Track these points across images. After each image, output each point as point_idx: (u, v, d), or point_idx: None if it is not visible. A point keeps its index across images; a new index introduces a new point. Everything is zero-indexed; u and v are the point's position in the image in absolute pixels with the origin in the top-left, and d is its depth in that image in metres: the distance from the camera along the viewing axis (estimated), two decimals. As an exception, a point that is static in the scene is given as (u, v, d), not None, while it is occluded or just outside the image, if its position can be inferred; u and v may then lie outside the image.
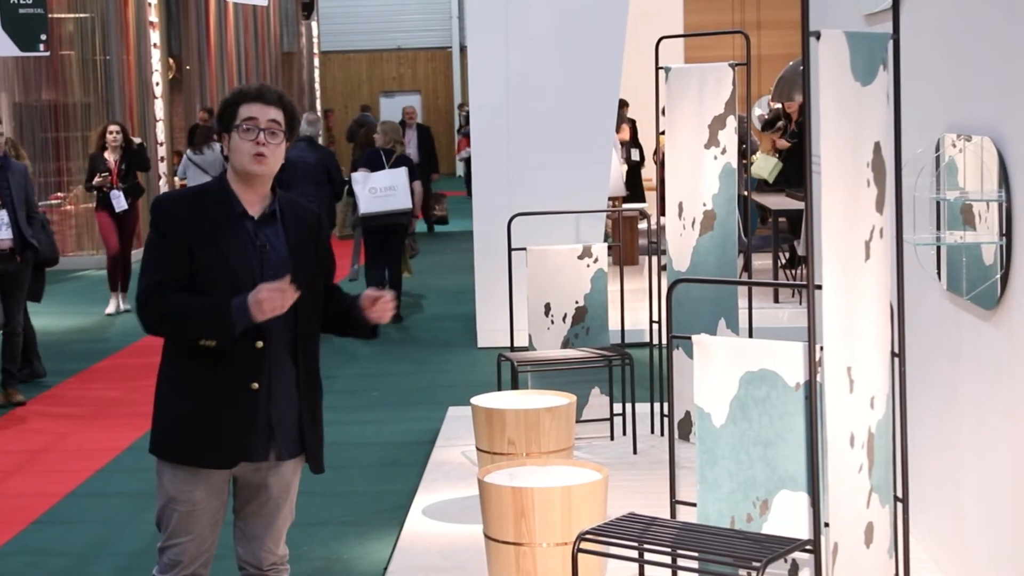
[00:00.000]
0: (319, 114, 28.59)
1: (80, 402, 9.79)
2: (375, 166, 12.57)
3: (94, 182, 13.42)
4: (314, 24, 32.28)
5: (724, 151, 7.40)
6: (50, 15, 17.74)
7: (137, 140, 14.82)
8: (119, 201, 13.51)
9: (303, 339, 4.26)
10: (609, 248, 8.25)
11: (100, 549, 6.68)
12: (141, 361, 7.73)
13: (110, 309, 13.81)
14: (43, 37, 15.04)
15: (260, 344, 4.16)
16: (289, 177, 12.31)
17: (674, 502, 4.81)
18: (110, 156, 13.52)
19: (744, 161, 9.30)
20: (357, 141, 16.39)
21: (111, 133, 13.56)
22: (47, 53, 15.61)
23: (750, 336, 7.31)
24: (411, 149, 17.38)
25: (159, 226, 4.22)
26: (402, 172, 12.45)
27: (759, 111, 16.95)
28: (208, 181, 4.36)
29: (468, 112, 14.22)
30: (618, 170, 14.57)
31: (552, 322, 8.02)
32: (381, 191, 12.35)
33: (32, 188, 9.88)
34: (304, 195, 12.24)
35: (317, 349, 4.38)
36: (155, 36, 19.31)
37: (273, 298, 4.04)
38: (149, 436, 4.35)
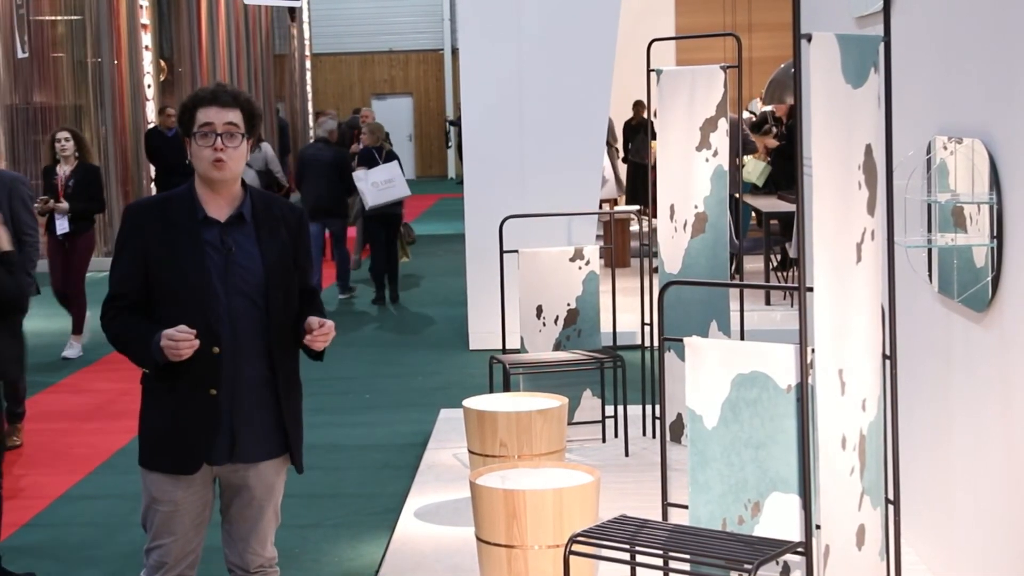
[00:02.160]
0: (312, 115, 28.62)
1: (69, 405, 9.77)
2: (370, 163, 13.90)
3: (35, 207, 9.93)
4: (305, 26, 32.26)
5: (716, 153, 7.41)
6: (41, 17, 17.77)
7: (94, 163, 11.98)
8: (61, 222, 10.94)
9: (278, 340, 4.24)
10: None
11: (90, 552, 6.67)
12: (129, 364, 7.74)
13: (67, 353, 11.45)
14: (23, 38, 15.06)
15: (216, 349, 4.16)
16: (304, 174, 13.90)
17: (666, 504, 4.82)
18: (60, 169, 11.04)
19: (738, 161, 9.29)
20: (348, 143, 16.66)
21: (59, 141, 11.02)
22: (26, 55, 15.60)
23: (742, 338, 7.32)
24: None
25: (122, 235, 4.28)
26: (395, 165, 13.84)
27: (745, 114, 17.00)
28: (179, 187, 4.34)
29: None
30: (610, 173, 14.60)
31: (544, 324, 8.02)
32: (382, 184, 13.64)
33: (22, 203, 7.92)
34: (318, 190, 13.75)
35: (296, 350, 4.35)
36: (147, 38, 19.30)
37: (168, 347, 4.06)
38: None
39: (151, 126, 18.71)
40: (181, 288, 4.13)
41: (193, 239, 4.18)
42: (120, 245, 4.27)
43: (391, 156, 14.08)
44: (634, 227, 15.76)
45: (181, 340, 4.04)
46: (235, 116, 4.19)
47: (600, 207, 12.67)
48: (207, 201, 4.23)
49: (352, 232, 16.05)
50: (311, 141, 14.35)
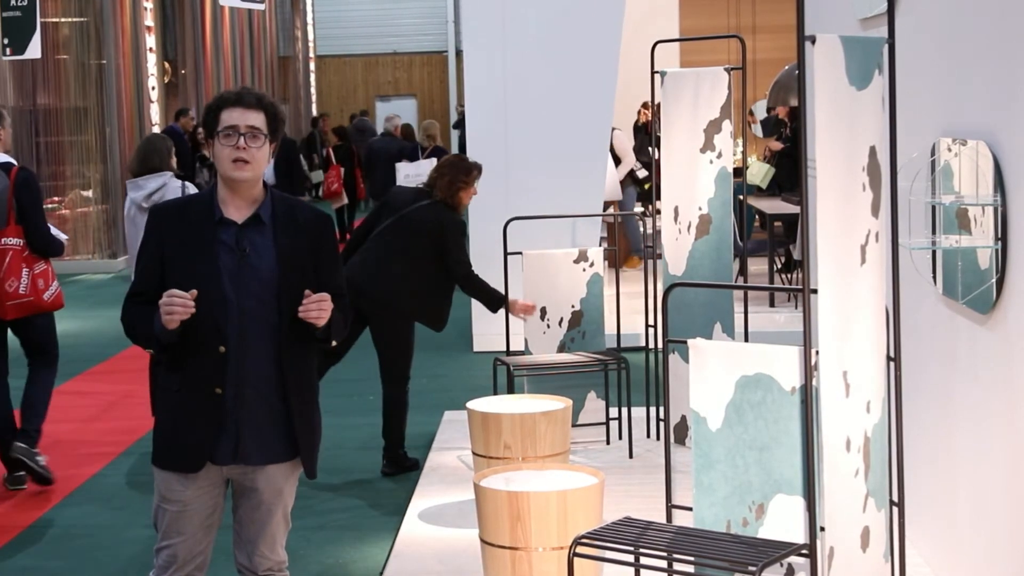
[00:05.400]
0: (314, 117, 28.66)
1: (77, 406, 9.77)
2: (413, 157, 16.70)
3: None
4: (309, 28, 32.29)
5: (720, 155, 7.40)
6: (46, 19, 17.77)
7: None
8: None
9: (288, 344, 4.25)
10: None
11: (96, 553, 6.67)
12: (138, 365, 7.74)
13: None
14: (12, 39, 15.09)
15: (222, 349, 4.19)
16: (372, 163, 17.43)
17: (670, 506, 4.81)
18: None
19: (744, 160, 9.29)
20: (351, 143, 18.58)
21: None
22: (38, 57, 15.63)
23: (746, 340, 7.31)
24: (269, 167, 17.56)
25: (144, 236, 4.38)
26: (431, 162, 15.31)
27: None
28: (203, 190, 4.41)
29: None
30: (614, 175, 14.60)
31: (548, 326, 8.02)
32: (412, 176, 15.55)
33: None
34: (385, 178, 16.57)
35: (310, 355, 4.37)
36: (151, 40, 19.31)
37: (163, 304, 4.07)
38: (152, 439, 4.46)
39: (170, 125, 18.79)
40: (191, 287, 4.15)
41: (207, 239, 4.22)
42: (142, 245, 4.38)
43: (433, 153, 16.47)
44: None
45: (176, 298, 4.05)
46: (258, 119, 4.23)
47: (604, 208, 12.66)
48: (226, 202, 4.27)
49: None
50: (379, 135, 18.20)
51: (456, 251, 7.60)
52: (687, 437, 7.38)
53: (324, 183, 18.61)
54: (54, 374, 7.81)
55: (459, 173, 7.76)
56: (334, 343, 4.36)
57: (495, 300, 7.81)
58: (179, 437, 4.26)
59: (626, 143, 14.88)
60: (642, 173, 14.62)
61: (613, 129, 14.76)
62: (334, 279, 4.39)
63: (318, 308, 4.14)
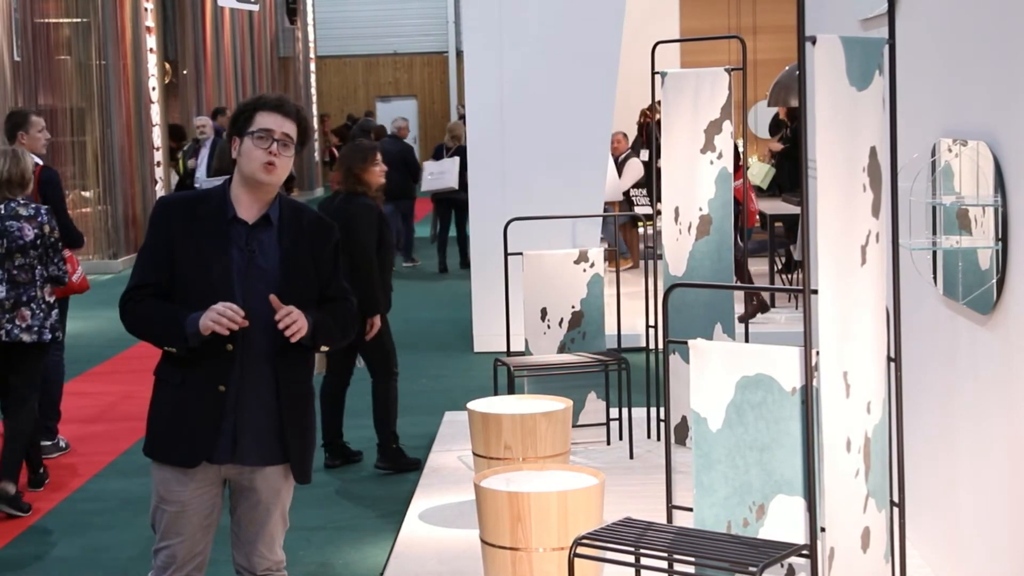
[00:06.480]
0: (317, 118, 28.71)
1: (77, 406, 9.77)
2: (438, 156, 17.20)
3: None
4: (310, 29, 32.29)
5: (720, 156, 7.40)
6: (47, 20, 17.77)
7: None
8: None
9: (284, 348, 4.24)
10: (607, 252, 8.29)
11: (96, 554, 6.67)
12: (137, 365, 7.74)
13: None
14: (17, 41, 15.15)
15: (230, 347, 4.19)
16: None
17: (670, 507, 4.82)
18: None
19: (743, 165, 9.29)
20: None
21: None
22: (18, 59, 15.70)
23: (746, 341, 7.32)
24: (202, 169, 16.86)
25: (150, 228, 4.33)
26: (454, 160, 16.54)
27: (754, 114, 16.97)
28: (215, 186, 4.40)
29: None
30: (614, 176, 14.60)
31: (548, 327, 8.02)
32: (436, 174, 16.71)
33: None
34: (389, 179, 15.88)
35: (306, 359, 4.37)
36: (151, 41, 19.30)
37: (212, 313, 4.07)
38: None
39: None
40: (203, 284, 4.16)
41: (220, 237, 4.22)
42: (147, 238, 4.33)
43: (457, 152, 16.62)
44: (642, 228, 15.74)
45: (233, 313, 4.06)
46: (292, 129, 4.26)
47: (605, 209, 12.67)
48: (240, 202, 4.27)
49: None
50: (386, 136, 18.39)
51: (364, 233, 7.59)
52: (687, 438, 7.38)
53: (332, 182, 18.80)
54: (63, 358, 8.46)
55: (352, 159, 7.89)
56: (324, 348, 4.35)
57: (374, 306, 7.67)
58: (177, 431, 4.25)
59: (628, 175, 14.81)
60: (643, 209, 14.34)
61: (630, 156, 14.80)
62: (332, 283, 4.40)
63: (291, 321, 4.13)
